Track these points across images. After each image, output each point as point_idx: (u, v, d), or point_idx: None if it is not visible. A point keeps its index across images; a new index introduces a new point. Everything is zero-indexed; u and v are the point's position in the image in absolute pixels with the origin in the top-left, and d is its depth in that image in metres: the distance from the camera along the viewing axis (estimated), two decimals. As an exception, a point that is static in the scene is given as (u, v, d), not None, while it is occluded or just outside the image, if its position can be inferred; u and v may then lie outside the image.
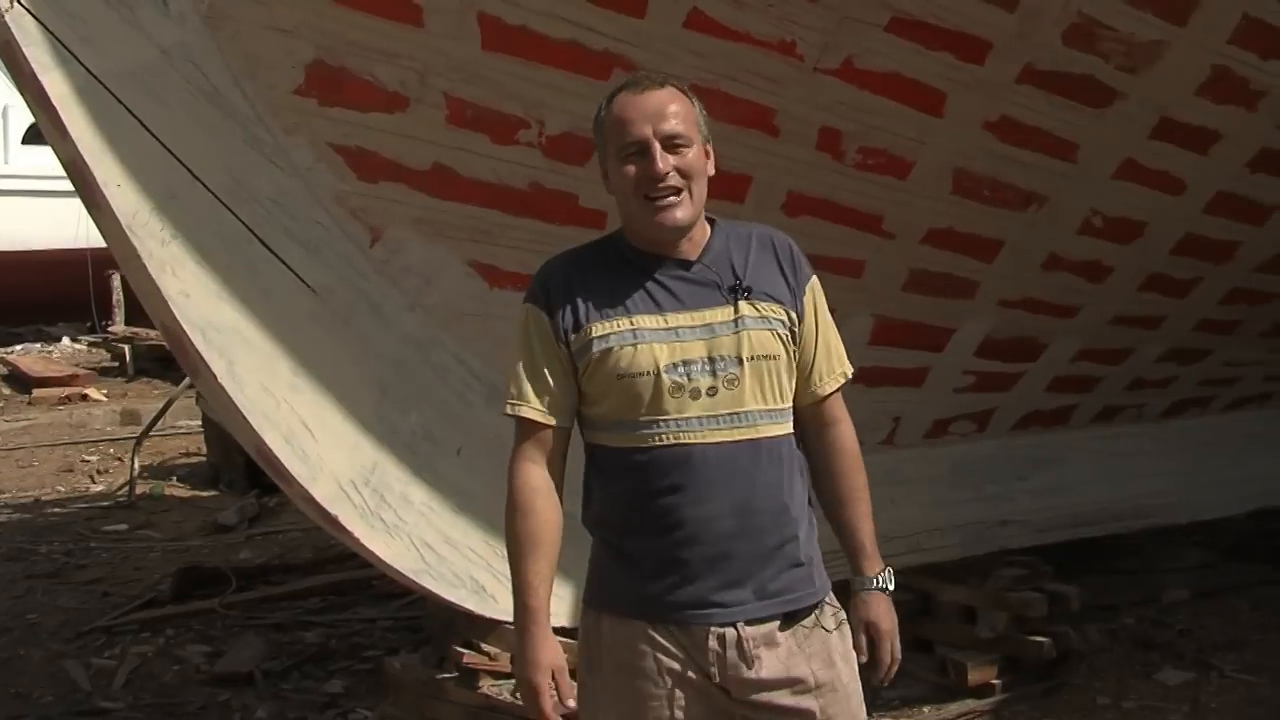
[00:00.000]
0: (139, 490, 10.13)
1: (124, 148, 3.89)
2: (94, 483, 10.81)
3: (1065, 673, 6.06)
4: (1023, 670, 5.98)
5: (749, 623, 3.07)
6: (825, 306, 3.21)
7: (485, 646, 4.85)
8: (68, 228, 15.12)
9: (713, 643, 3.06)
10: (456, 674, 4.89)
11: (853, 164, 5.09)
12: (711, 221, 3.16)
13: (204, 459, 10.96)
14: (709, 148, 3.11)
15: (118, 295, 17.75)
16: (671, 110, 3.04)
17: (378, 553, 4.49)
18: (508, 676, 4.82)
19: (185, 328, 4.05)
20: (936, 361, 6.01)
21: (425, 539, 4.58)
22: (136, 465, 10.35)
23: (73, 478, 11.02)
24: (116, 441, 12.09)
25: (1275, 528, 8.21)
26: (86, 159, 3.84)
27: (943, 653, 6.06)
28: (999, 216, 5.55)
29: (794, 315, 3.13)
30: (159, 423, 11.33)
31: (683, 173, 3.03)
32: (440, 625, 5.13)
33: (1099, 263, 6.03)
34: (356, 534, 4.43)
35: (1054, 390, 6.63)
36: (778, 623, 3.10)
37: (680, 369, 3.04)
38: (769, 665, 3.08)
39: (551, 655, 3.09)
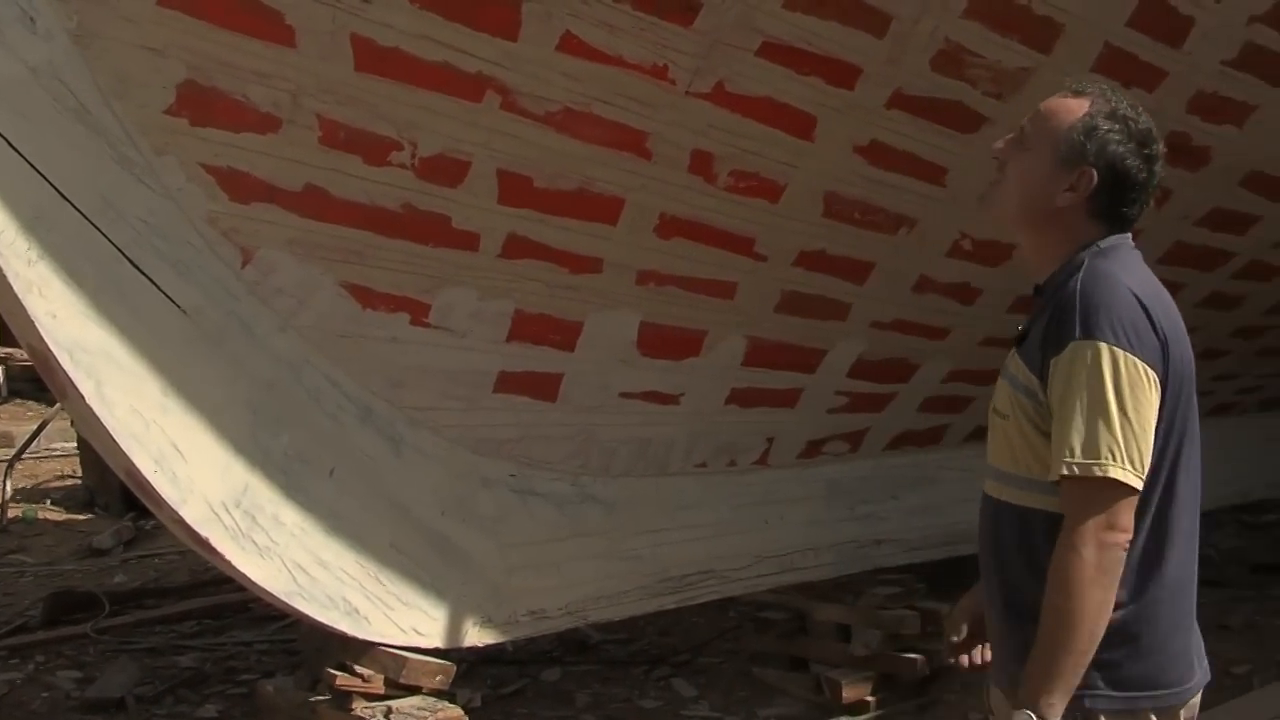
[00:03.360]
0: (11, 514, 9.94)
1: (-11, 166, 3.84)
2: (-35, 507, 10.60)
3: (939, 689, 6.16)
4: (897, 687, 6.07)
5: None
6: (1080, 382, 2.72)
7: (359, 668, 4.82)
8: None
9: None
10: (329, 696, 4.86)
11: (725, 187, 5.13)
12: (1079, 259, 2.87)
13: (79, 482, 10.78)
14: (1059, 170, 2.86)
15: (-9, 316, 17.41)
16: (1037, 110, 2.94)
17: (249, 575, 4.47)
18: (381, 698, 4.81)
19: (52, 348, 3.99)
20: (809, 382, 6.07)
21: (297, 560, 4.57)
22: (9, 489, 10.16)
23: (-57, 502, 10.79)
24: (-11, 464, 11.87)
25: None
26: (-50, 177, 3.79)
27: (818, 670, 6.14)
28: (870, 239, 5.62)
29: (1036, 380, 2.83)
30: (33, 445, 11.15)
31: (1003, 163, 2.93)
32: (314, 648, 5.09)
33: (968, 285, 6.13)
34: (228, 556, 4.41)
35: (926, 410, 6.73)
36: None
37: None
38: None
39: (964, 600, 3.22)
